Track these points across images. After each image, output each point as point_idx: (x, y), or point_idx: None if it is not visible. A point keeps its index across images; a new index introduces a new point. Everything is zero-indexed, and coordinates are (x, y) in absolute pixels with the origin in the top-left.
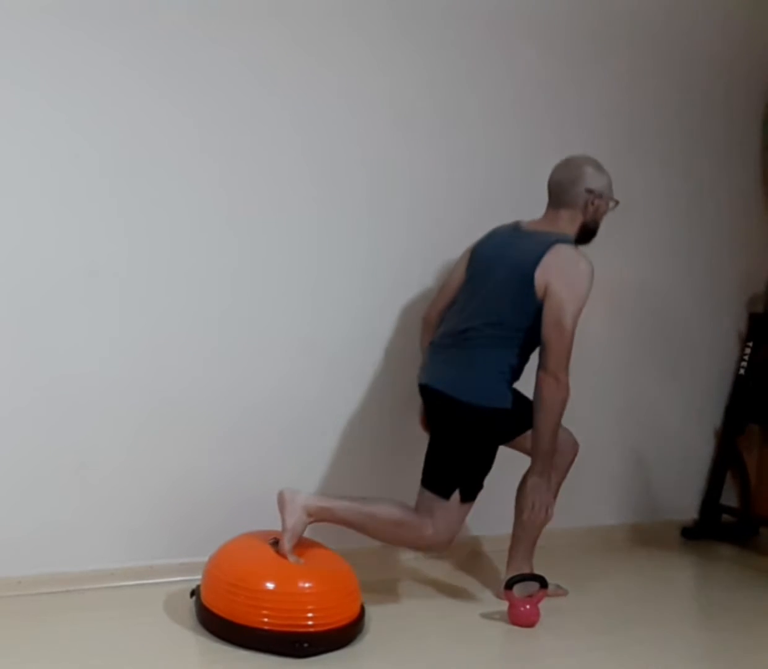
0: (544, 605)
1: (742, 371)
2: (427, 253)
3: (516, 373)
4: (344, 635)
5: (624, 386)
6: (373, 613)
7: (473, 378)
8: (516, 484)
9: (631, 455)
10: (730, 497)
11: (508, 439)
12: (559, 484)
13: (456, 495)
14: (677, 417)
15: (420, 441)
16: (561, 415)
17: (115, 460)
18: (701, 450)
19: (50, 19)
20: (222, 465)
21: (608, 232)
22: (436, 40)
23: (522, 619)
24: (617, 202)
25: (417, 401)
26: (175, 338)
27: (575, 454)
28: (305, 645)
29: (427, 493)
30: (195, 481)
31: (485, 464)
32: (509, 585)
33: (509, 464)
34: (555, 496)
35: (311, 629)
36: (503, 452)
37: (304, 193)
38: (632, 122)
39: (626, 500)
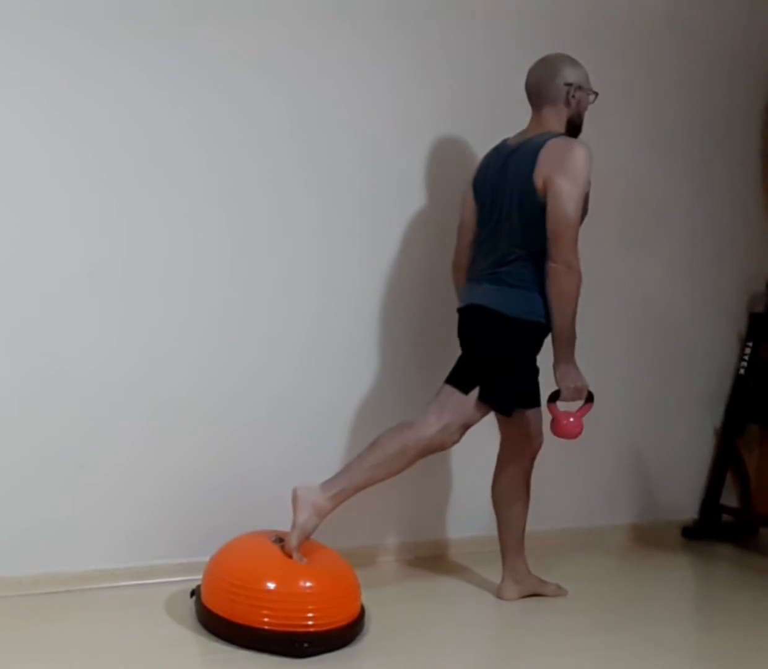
0: (545, 605)
1: (742, 371)
2: (429, 250)
3: None
4: (344, 635)
5: (624, 386)
6: (373, 613)
7: (515, 294)
8: None
9: (631, 455)
10: (730, 497)
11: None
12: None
13: (475, 392)
14: (677, 417)
15: None
16: (577, 300)
17: (115, 459)
18: (701, 450)
19: (52, 19)
20: (222, 465)
21: (608, 233)
22: (436, 40)
23: (565, 431)
24: (597, 94)
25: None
26: (176, 338)
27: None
28: (305, 645)
29: (447, 387)
30: (196, 481)
31: (521, 373)
32: (552, 398)
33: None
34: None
35: (311, 629)
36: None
37: (304, 193)
38: (632, 123)
39: (626, 500)
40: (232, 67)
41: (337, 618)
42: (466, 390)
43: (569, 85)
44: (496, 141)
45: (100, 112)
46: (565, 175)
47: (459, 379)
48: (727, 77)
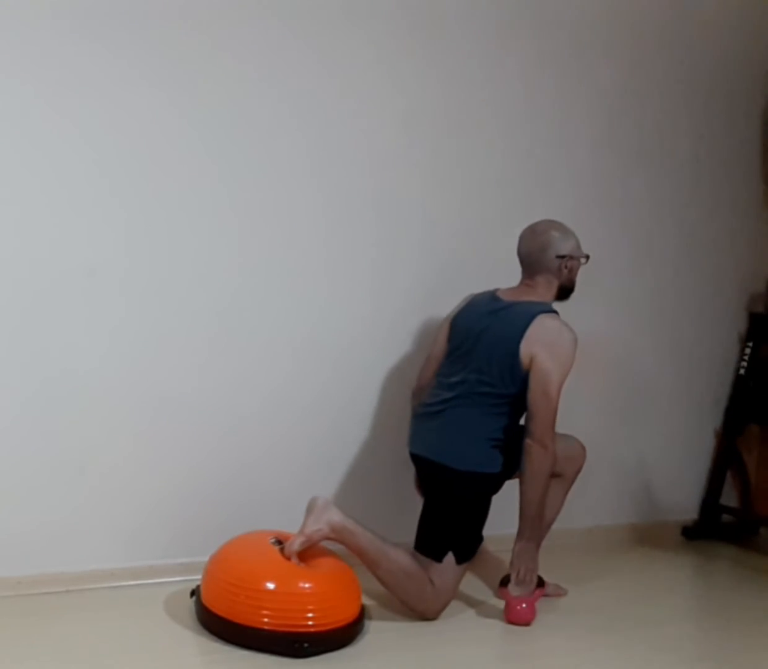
0: (545, 605)
1: (742, 371)
2: (432, 256)
3: (509, 433)
4: (344, 635)
5: (624, 386)
6: (373, 613)
7: (464, 445)
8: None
9: (631, 455)
10: (730, 497)
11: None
12: (567, 491)
13: (450, 557)
14: (677, 417)
15: None
16: (548, 482)
17: (115, 459)
18: (701, 450)
19: (53, 21)
20: (222, 465)
21: (608, 233)
22: (445, 44)
23: (518, 617)
24: (588, 257)
25: (410, 465)
26: (175, 338)
27: (583, 460)
28: (305, 645)
29: (421, 558)
30: (195, 481)
31: (480, 522)
32: (504, 582)
33: None
34: (563, 502)
35: (311, 629)
36: None
37: (308, 195)
38: (634, 122)
39: (626, 500)
40: (236, 67)
41: (337, 618)
42: (438, 558)
43: (561, 257)
44: (499, 144)
45: (101, 111)
46: (553, 359)
47: (427, 545)
48: (728, 76)
